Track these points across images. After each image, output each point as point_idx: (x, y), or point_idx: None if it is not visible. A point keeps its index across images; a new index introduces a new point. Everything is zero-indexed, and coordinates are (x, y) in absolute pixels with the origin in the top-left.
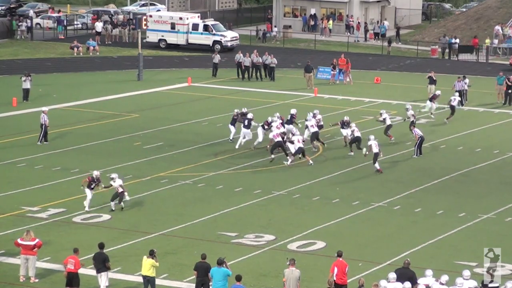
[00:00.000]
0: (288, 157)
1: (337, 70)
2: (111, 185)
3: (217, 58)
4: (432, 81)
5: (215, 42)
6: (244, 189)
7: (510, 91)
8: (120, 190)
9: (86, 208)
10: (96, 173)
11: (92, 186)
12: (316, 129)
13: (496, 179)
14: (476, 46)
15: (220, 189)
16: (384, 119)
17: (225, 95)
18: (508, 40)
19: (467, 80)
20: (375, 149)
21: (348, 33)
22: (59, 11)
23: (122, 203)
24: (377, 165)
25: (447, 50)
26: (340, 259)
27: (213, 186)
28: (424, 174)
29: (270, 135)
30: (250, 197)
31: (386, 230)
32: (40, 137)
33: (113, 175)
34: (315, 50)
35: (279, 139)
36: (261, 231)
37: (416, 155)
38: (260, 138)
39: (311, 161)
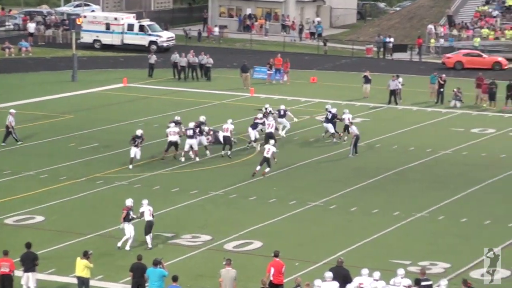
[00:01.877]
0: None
1: (274, 70)
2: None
3: (153, 58)
4: (367, 80)
5: (151, 42)
6: (181, 189)
7: (442, 89)
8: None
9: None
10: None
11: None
12: (271, 130)
13: (429, 178)
14: (419, 46)
15: (157, 190)
16: (343, 119)
17: (161, 96)
18: (450, 39)
19: (400, 79)
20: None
21: (284, 33)
22: None
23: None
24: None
25: (381, 49)
26: (277, 259)
27: (149, 187)
28: (360, 173)
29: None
30: (186, 197)
31: (323, 229)
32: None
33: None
34: (251, 50)
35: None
36: (197, 232)
37: (352, 154)
38: (252, 137)
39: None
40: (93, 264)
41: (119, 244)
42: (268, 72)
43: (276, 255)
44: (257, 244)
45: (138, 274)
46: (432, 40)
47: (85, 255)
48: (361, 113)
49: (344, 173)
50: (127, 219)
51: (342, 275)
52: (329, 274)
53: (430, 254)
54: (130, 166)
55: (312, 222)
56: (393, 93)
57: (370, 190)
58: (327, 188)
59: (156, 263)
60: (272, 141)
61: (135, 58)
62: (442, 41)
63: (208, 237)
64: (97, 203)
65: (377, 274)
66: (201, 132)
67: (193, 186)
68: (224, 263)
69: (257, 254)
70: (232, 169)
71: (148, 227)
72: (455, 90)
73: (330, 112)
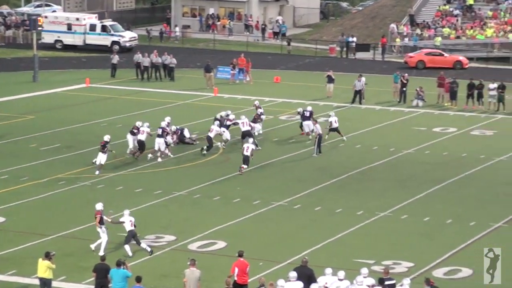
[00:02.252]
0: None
1: (237, 70)
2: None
3: (115, 58)
4: (330, 80)
5: (113, 42)
6: (145, 189)
7: (405, 89)
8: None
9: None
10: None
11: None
12: (247, 128)
13: (392, 177)
14: (383, 46)
15: (120, 190)
16: (331, 122)
17: (124, 96)
18: (414, 37)
19: (363, 79)
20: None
21: (247, 33)
22: None
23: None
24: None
25: (345, 49)
26: (241, 259)
27: (113, 187)
28: (324, 172)
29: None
30: (150, 197)
31: (287, 229)
32: None
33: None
34: (215, 50)
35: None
36: (161, 232)
37: (316, 154)
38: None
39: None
40: (56, 265)
41: (93, 247)
42: (232, 72)
43: (240, 255)
44: (221, 244)
45: (102, 275)
46: (398, 40)
47: (47, 256)
48: (325, 112)
49: (308, 172)
50: (102, 222)
51: (307, 275)
52: (293, 274)
53: (394, 253)
54: (97, 172)
55: (276, 222)
56: (359, 93)
57: (334, 189)
58: (291, 187)
59: (120, 263)
60: (251, 139)
61: (98, 59)
62: (407, 40)
63: (172, 237)
64: (59, 204)
65: (341, 274)
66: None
67: (157, 186)
68: (188, 263)
69: (221, 254)
70: (196, 169)
71: (130, 237)
72: (417, 89)
73: (306, 111)
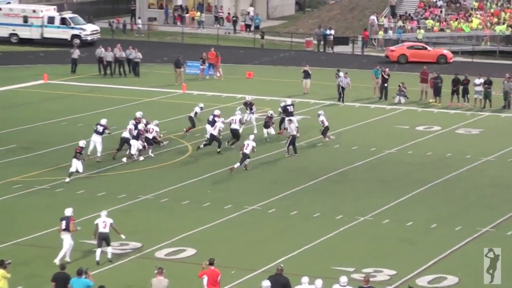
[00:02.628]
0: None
1: (207, 65)
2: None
3: (76, 53)
4: (307, 75)
5: (73, 36)
6: (108, 193)
7: (386, 84)
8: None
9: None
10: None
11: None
12: (236, 126)
13: (373, 179)
14: (366, 40)
15: (81, 194)
16: (322, 121)
17: (86, 93)
18: (398, 30)
19: (341, 73)
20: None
21: (218, 25)
22: None
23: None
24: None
25: (322, 42)
26: (212, 267)
27: (73, 191)
28: (300, 174)
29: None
30: (114, 202)
31: (261, 235)
32: None
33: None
34: (183, 44)
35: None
36: (126, 239)
37: (288, 155)
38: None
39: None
40: (11, 274)
41: (57, 261)
42: (201, 67)
43: (211, 263)
44: (190, 251)
45: (61, 285)
46: (381, 32)
47: (2, 265)
48: (301, 110)
49: (283, 174)
50: (67, 229)
51: (282, 284)
52: (267, 283)
53: (375, 261)
54: (67, 179)
55: (249, 227)
56: (344, 90)
57: (311, 192)
58: (265, 190)
59: (81, 272)
60: (252, 136)
61: (57, 53)
62: (391, 32)
63: (138, 244)
64: (14, 209)
65: (319, 282)
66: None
67: (121, 190)
68: (155, 272)
69: (190, 262)
70: (163, 171)
71: (100, 239)
72: (400, 85)
73: (290, 105)
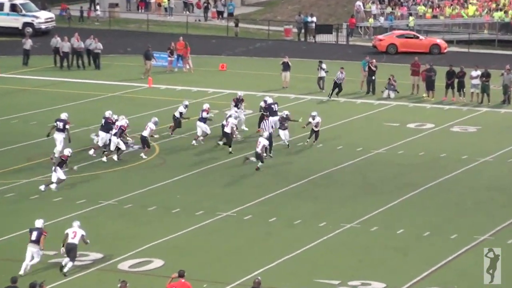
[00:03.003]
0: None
1: (175, 56)
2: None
3: (28, 43)
4: (286, 68)
5: (25, 24)
6: (65, 198)
7: (373, 77)
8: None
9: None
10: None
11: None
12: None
13: (360, 182)
14: (352, 28)
15: (35, 200)
16: (318, 123)
17: (40, 87)
18: (390, 16)
19: (324, 65)
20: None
21: (187, 12)
22: None
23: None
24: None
25: (303, 31)
26: (182, 280)
27: (26, 196)
28: (280, 176)
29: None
30: (72, 208)
31: (236, 244)
32: None
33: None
34: (148, 32)
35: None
36: (85, 249)
37: (266, 156)
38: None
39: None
40: None
41: (22, 272)
42: (169, 58)
43: (181, 275)
44: (157, 262)
45: None
46: (371, 20)
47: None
48: (280, 106)
49: (261, 177)
50: (36, 242)
51: None
52: None
53: (362, 272)
54: (42, 187)
55: (223, 236)
56: (338, 86)
57: (292, 197)
58: (241, 195)
59: (34, 286)
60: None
61: (6, 44)
62: (382, 19)
63: (98, 255)
64: None
65: None
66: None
67: (80, 194)
68: (118, 285)
69: (158, 274)
70: (128, 174)
71: (67, 251)
72: (390, 78)
73: (274, 104)
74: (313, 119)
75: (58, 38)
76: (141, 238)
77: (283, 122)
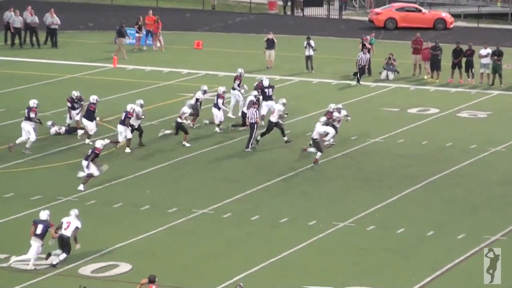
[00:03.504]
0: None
1: (144, 32)
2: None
3: None
4: (271, 45)
5: None
6: (16, 194)
7: (369, 56)
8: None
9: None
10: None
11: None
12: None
13: (354, 175)
14: (345, 0)
15: None
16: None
17: None
18: None
19: (312, 43)
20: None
21: None
22: None
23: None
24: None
25: (289, 3)
26: (153, 286)
27: None
28: (263, 169)
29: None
30: (25, 205)
31: (214, 245)
32: None
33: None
34: (112, 5)
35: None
36: (42, 251)
37: (250, 148)
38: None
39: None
40: None
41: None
42: (137, 35)
43: (151, 281)
44: (124, 267)
45: None
46: None
47: None
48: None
49: (242, 170)
50: (41, 235)
51: None
52: None
53: (357, 277)
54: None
55: (199, 236)
56: (364, 69)
57: (277, 192)
58: (220, 190)
59: None
60: (323, 118)
61: None
62: None
63: (57, 258)
64: None
65: None
66: None
67: (36, 189)
68: None
69: (125, 280)
70: None
71: (59, 244)
72: (388, 57)
73: (269, 87)
74: (339, 112)
75: (12, 12)
76: (105, 239)
77: (330, 118)
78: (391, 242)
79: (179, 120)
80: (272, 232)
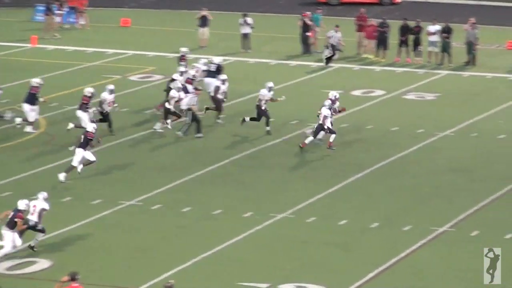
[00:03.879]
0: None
1: (66, 9)
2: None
3: None
4: (204, 23)
5: None
6: None
7: (308, 34)
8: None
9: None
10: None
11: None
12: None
13: (291, 163)
14: None
15: None
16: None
17: None
18: None
19: (249, 19)
20: None
21: None
22: None
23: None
24: None
25: None
26: (75, 284)
27: None
28: (197, 157)
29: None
30: None
31: (142, 239)
32: None
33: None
34: None
35: None
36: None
37: (183, 133)
38: None
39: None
40: None
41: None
42: (58, 12)
43: (73, 279)
44: (43, 263)
45: None
46: None
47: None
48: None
49: (172, 157)
50: (10, 225)
51: None
52: None
53: (296, 273)
54: (79, 169)
55: (126, 230)
56: (334, 48)
57: (211, 181)
58: (148, 179)
59: None
60: (328, 102)
61: None
62: None
63: None
64: None
65: None
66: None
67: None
68: None
69: (44, 278)
70: (4, 154)
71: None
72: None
73: (212, 63)
74: (333, 103)
75: None
76: (21, 233)
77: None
78: (333, 234)
79: (167, 105)
80: (205, 225)
